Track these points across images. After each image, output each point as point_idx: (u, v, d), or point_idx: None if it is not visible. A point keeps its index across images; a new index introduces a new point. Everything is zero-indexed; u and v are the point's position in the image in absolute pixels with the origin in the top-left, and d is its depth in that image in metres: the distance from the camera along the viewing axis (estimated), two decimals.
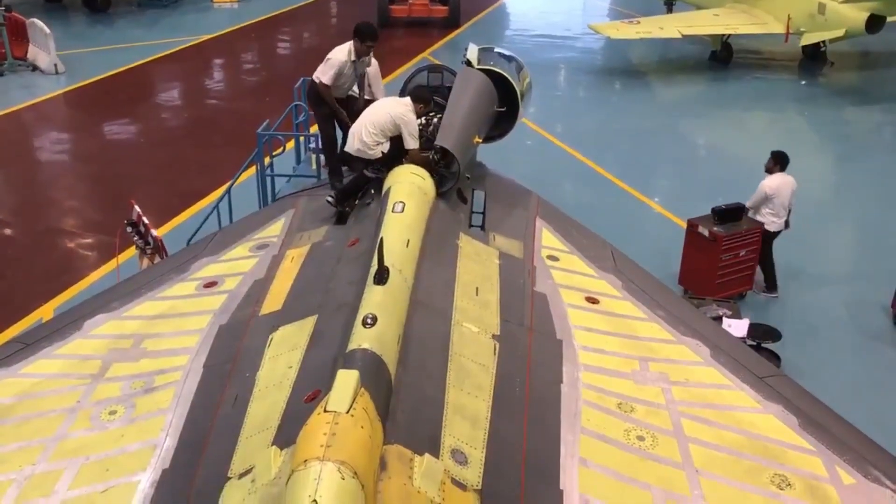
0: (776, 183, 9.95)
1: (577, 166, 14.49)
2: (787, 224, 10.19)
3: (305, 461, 3.08)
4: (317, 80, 8.07)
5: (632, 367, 5.14)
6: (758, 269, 10.23)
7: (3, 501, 4.00)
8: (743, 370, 5.19)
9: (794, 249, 11.30)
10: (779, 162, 10.04)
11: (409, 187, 6.04)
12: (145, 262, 8.61)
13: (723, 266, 9.76)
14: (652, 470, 4.26)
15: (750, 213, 10.12)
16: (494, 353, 4.84)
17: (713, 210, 9.96)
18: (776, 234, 10.16)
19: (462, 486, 3.75)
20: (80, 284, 10.39)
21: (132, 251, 9.53)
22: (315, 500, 2.87)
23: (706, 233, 9.84)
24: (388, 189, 6.10)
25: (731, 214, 9.96)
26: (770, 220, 10.03)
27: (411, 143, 6.51)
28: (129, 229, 8.85)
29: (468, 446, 4.01)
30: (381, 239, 4.82)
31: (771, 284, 10.33)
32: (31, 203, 13.29)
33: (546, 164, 14.55)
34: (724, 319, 8.14)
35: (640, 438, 4.47)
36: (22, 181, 14.28)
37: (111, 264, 10.35)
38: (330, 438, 3.18)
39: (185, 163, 14.78)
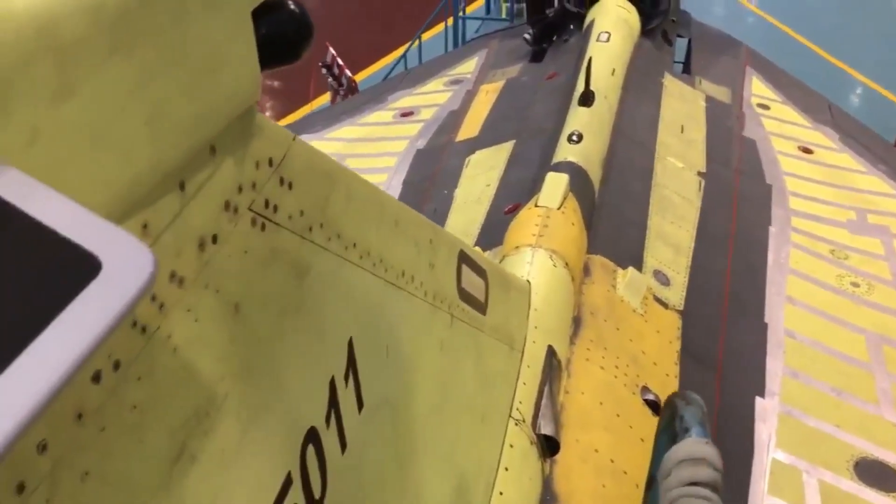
0: None
1: (776, 34, 13.34)
2: None
3: (517, 247, 3.09)
4: None
5: (847, 216, 4.82)
6: None
7: None
8: None
9: None
10: None
11: (615, 19, 5.76)
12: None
13: None
14: (866, 315, 4.01)
15: None
16: (699, 189, 4.68)
17: None
18: None
19: (664, 304, 3.67)
20: None
21: (325, 97, 9.79)
22: (528, 281, 2.87)
23: None
24: (592, 21, 5.83)
25: None
26: None
27: None
28: (323, 71, 9.07)
29: (671, 270, 3.91)
30: (590, 59, 4.64)
31: None
32: None
33: (739, 32, 13.43)
34: None
35: (855, 285, 4.20)
36: None
37: (305, 108, 10.71)
38: (542, 229, 3.16)
39: (367, 17, 14.78)
